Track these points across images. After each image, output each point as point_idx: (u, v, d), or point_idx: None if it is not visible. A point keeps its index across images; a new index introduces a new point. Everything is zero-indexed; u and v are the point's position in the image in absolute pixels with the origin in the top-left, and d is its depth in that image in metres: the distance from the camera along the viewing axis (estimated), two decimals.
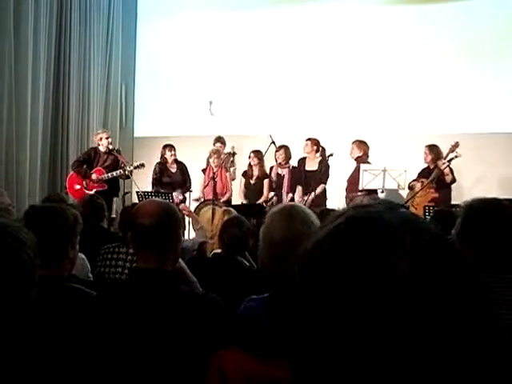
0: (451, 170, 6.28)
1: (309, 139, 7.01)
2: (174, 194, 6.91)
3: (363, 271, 0.51)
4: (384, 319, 0.49)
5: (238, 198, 7.31)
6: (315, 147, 6.96)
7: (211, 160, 7.19)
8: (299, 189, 6.96)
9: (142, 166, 7.06)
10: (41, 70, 7.53)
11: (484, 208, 1.69)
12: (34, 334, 1.79)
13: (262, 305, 1.78)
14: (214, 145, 7.57)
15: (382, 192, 6.55)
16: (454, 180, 6.34)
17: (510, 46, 7.18)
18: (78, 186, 6.92)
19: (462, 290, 0.51)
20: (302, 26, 8.07)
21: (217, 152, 7.26)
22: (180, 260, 2.18)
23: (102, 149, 6.99)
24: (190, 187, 7.28)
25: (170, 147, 7.24)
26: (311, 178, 6.76)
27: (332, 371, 0.51)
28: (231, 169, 7.50)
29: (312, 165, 6.97)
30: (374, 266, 0.51)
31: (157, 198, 5.90)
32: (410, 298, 0.50)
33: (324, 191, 6.83)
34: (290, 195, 6.99)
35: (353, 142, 6.86)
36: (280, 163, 7.12)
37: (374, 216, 0.55)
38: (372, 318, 0.50)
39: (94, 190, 6.78)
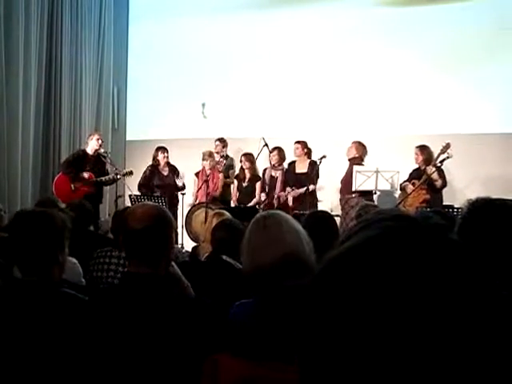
0: (442, 173, 6.17)
1: (298, 142, 7.03)
2: (177, 180, 7.14)
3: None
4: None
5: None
6: (305, 150, 6.98)
7: (205, 162, 7.15)
8: (290, 191, 6.94)
9: (131, 173, 6.98)
10: (32, 72, 7.48)
11: (484, 207, 1.65)
12: (26, 339, 1.78)
13: (251, 308, 1.78)
14: (215, 146, 7.48)
15: (375, 193, 6.56)
16: (444, 185, 6.18)
17: (501, 46, 7.20)
18: (65, 188, 6.66)
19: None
20: (293, 29, 8.06)
21: (211, 154, 7.23)
22: (173, 263, 2.18)
23: (89, 151, 6.88)
24: (184, 189, 7.26)
25: (163, 150, 7.23)
26: (302, 181, 6.76)
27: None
28: (230, 171, 7.43)
29: (302, 167, 6.99)
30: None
31: (149, 202, 5.88)
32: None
33: (314, 192, 6.82)
34: (283, 193, 6.98)
35: (353, 142, 6.77)
36: (274, 165, 7.11)
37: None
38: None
39: (84, 193, 6.61)
